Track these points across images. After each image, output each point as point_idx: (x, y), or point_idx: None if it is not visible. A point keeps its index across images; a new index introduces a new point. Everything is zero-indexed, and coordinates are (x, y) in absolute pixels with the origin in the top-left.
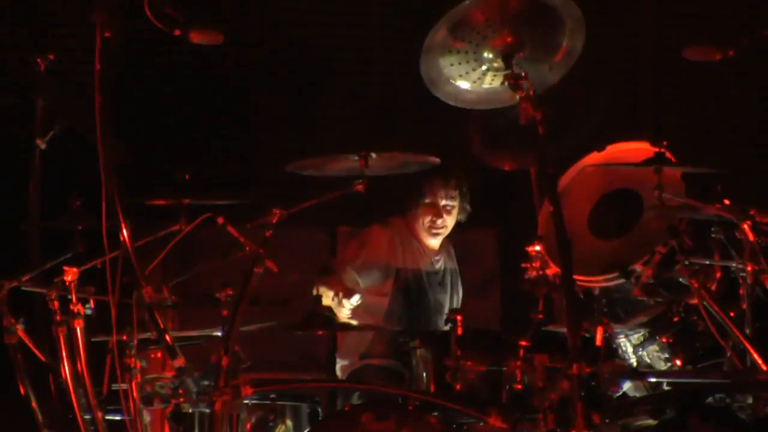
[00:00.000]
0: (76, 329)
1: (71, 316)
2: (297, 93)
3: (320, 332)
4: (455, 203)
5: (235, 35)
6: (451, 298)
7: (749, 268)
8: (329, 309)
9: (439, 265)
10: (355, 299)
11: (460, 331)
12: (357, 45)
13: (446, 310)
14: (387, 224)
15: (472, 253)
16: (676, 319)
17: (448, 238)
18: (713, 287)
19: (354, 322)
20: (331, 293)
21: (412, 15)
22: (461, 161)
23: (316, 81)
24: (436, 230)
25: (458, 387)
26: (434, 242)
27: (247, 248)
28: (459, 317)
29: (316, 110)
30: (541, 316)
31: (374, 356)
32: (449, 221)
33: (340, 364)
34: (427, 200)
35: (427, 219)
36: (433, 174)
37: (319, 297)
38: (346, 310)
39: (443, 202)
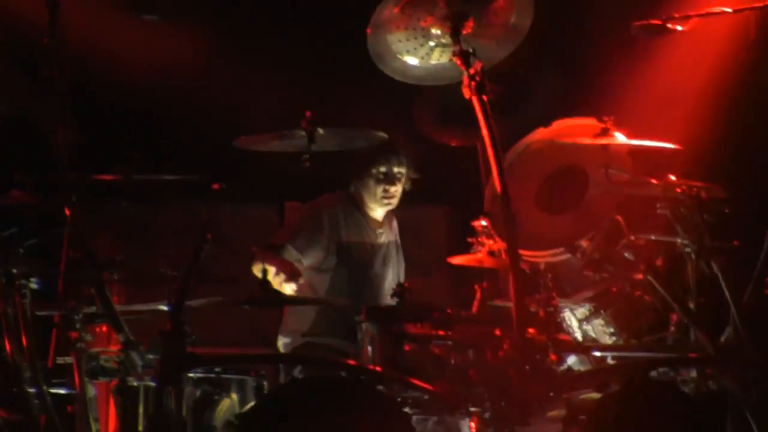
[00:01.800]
0: (20, 303)
1: (16, 290)
2: (247, 69)
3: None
4: (404, 171)
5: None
6: (396, 271)
7: (694, 244)
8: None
9: (383, 238)
10: (299, 280)
11: (406, 305)
12: (304, 21)
13: (390, 282)
14: (328, 200)
15: (422, 231)
16: (621, 293)
17: (391, 212)
18: (658, 263)
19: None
20: (273, 270)
21: None
22: (403, 132)
23: (261, 58)
24: (388, 199)
25: (404, 360)
26: (380, 214)
27: (195, 223)
28: (405, 292)
29: (263, 87)
30: (487, 289)
31: (317, 334)
32: (400, 189)
33: (282, 342)
34: (382, 168)
35: (380, 188)
36: (380, 144)
37: (264, 272)
38: (288, 287)
39: (395, 170)
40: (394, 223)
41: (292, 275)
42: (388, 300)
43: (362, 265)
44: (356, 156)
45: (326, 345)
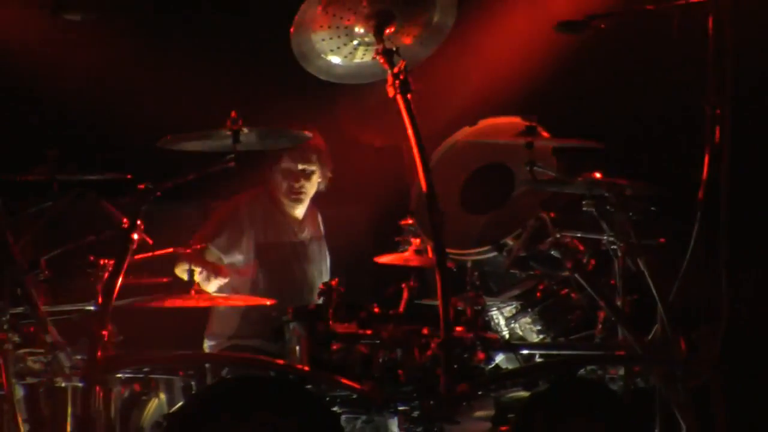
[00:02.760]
0: None
1: None
2: (170, 68)
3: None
4: (314, 167)
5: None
6: (318, 268)
7: (620, 242)
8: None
9: (304, 234)
10: (222, 280)
11: (333, 304)
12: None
13: (313, 280)
14: (245, 197)
15: (349, 230)
16: (547, 291)
17: (315, 207)
18: (585, 260)
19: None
20: (197, 269)
21: None
22: (327, 131)
23: (188, 55)
24: (295, 195)
25: (331, 359)
26: (298, 211)
27: (121, 223)
28: (332, 291)
29: (189, 85)
30: (414, 288)
31: (242, 336)
32: (308, 186)
33: (208, 344)
34: (284, 165)
35: (285, 184)
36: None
37: (191, 272)
38: (212, 286)
39: (300, 167)
40: (318, 219)
41: (217, 275)
42: (312, 297)
43: (282, 263)
44: (268, 154)
45: (252, 347)
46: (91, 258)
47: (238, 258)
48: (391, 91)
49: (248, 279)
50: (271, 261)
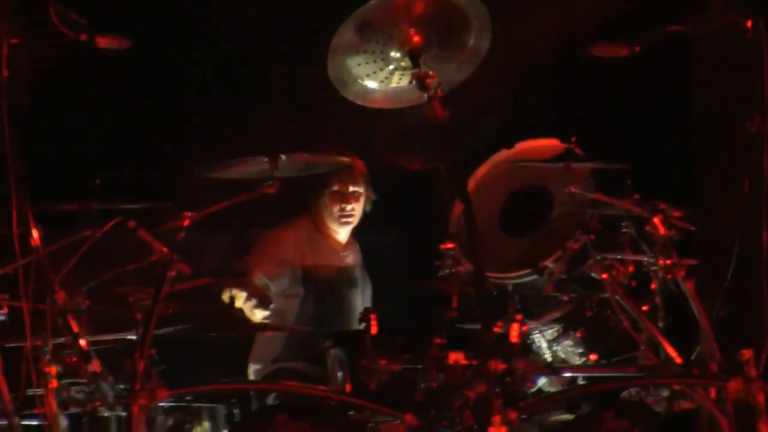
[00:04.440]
0: None
1: None
2: (205, 97)
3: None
4: (361, 190)
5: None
6: (362, 294)
7: (660, 262)
8: (241, 311)
9: (348, 260)
10: (270, 306)
11: (374, 330)
12: (265, 47)
13: (358, 306)
14: (291, 224)
15: (386, 253)
16: (589, 314)
17: (352, 235)
18: (625, 282)
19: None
20: (243, 296)
21: (319, 15)
22: (367, 156)
23: (224, 85)
24: (346, 218)
25: (373, 386)
26: (343, 235)
27: (159, 252)
28: (373, 316)
29: (225, 113)
30: (455, 313)
31: (286, 360)
32: (357, 208)
33: (252, 369)
34: (335, 188)
35: (336, 207)
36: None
37: (232, 300)
38: (260, 314)
39: (350, 189)
40: (357, 246)
41: (263, 301)
42: (357, 324)
43: (329, 288)
44: (312, 178)
45: (296, 370)
46: (131, 287)
47: (284, 285)
48: (430, 115)
49: (294, 304)
50: (319, 286)
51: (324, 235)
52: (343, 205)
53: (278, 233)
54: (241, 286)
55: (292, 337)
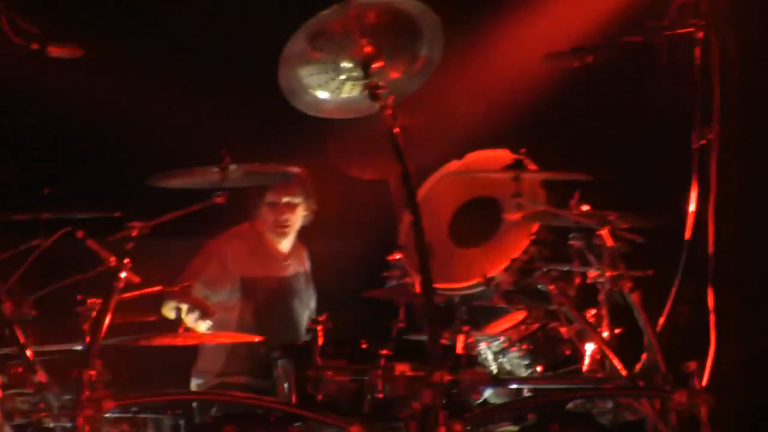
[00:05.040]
0: None
1: None
2: (158, 105)
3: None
4: (297, 200)
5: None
6: (305, 303)
7: (608, 274)
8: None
9: (290, 270)
10: (209, 321)
11: (321, 341)
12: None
13: (299, 316)
14: (233, 233)
15: (335, 265)
16: (535, 325)
17: (302, 243)
18: (572, 293)
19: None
20: (185, 308)
21: (271, 24)
22: (318, 167)
23: (177, 91)
24: (281, 228)
25: (320, 397)
26: (284, 245)
27: (108, 261)
28: (320, 327)
29: (177, 122)
30: (402, 324)
31: (230, 374)
32: (292, 219)
33: (195, 383)
34: (269, 199)
35: (271, 218)
36: None
37: (178, 311)
38: (202, 326)
39: (285, 199)
40: (305, 254)
41: (206, 312)
42: (299, 333)
43: (269, 298)
44: (249, 188)
45: (239, 384)
46: (79, 297)
47: (224, 295)
48: (381, 126)
49: (235, 316)
50: (258, 297)
51: (265, 244)
52: (277, 216)
53: (218, 243)
54: (181, 298)
55: (235, 351)
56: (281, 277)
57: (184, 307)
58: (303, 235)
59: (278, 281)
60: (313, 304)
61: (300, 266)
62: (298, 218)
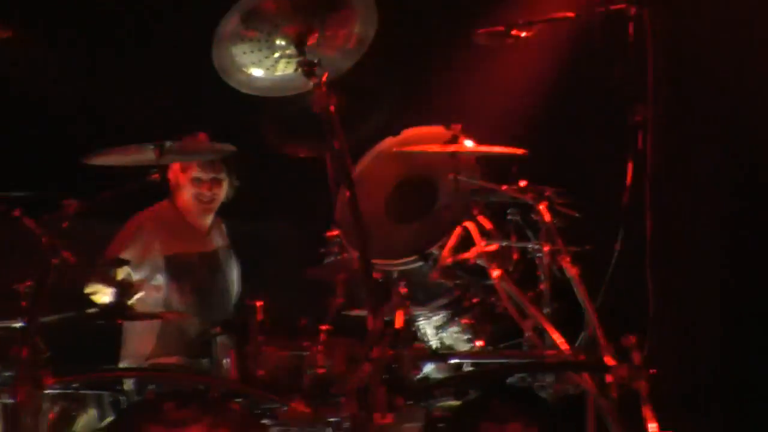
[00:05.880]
0: None
1: None
2: (94, 82)
3: (120, 322)
4: (221, 176)
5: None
6: (230, 277)
7: (546, 249)
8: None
9: (213, 244)
10: (138, 295)
11: (260, 317)
12: (149, 35)
13: (225, 290)
14: (151, 211)
15: (273, 243)
16: (475, 300)
17: (219, 218)
18: (511, 268)
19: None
20: (107, 290)
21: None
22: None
23: (113, 68)
24: (205, 204)
25: (260, 373)
26: (205, 220)
27: (44, 240)
28: (259, 303)
29: (114, 99)
30: (340, 300)
31: (161, 355)
32: (218, 194)
33: (123, 366)
34: (194, 174)
35: (192, 192)
36: None
37: (124, 284)
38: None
39: (210, 175)
40: (223, 228)
41: (126, 292)
42: (226, 307)
43: (193, 274)
44: (172, 166)
45: (173, 365)
46: (18, 275)
47: (147, 273)
48: (315, 104)
49: (159, 293)
50: (182, 273)
51: (186, 221)
52: (203, 191)
53: (137, 221)
54: (103, 279)
55: (164, 331)
56: (205, 252)
57: (106, 288)
58: (221, 210)
59: (200, 256)
60: (237, 277)
61: (221, 239)
62: (221, 194)
